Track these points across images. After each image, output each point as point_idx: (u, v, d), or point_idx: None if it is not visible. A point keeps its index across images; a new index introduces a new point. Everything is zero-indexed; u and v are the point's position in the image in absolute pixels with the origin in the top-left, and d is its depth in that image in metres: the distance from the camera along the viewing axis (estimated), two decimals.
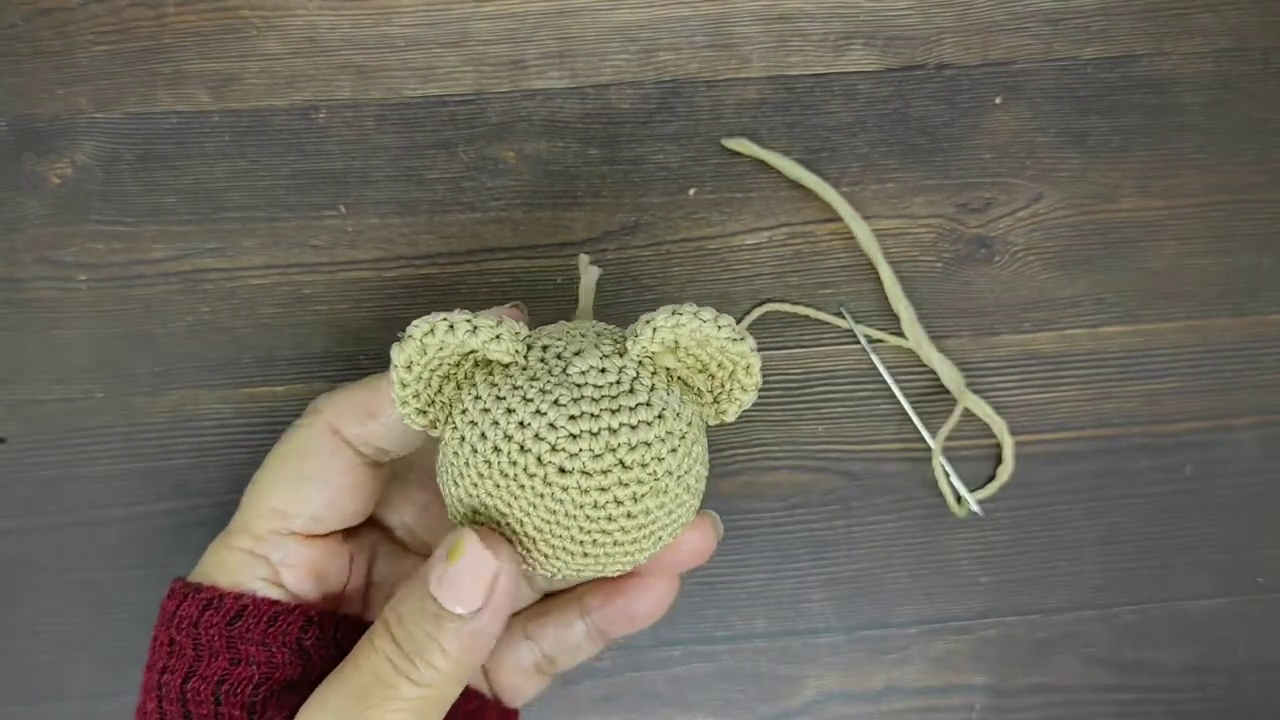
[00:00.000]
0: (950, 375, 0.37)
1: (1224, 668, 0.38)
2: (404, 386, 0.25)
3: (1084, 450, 0.38)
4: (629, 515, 0.24)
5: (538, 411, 0.23)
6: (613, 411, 0.23)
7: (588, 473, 0.23)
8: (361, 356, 0.37)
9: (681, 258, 0.38)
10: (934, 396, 0.38)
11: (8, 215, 0.37)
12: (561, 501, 0.24)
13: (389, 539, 0.32)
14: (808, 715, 0.38)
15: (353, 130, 0.38)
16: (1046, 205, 0.39)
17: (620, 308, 0.38)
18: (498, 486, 0.24)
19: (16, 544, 0.37)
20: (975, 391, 0.38)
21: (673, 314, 0.24)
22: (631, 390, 0.24)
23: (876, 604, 0.38)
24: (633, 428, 0.23)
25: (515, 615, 0.32)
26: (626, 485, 0.24)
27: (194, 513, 0.37)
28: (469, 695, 0.31)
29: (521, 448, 0.23)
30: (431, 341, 0.23)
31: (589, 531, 0.24)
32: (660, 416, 0.24)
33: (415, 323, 0.23)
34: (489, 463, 0.24)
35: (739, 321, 0.37)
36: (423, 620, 0.25)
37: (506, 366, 0.24)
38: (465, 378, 0.25)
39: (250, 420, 0.37)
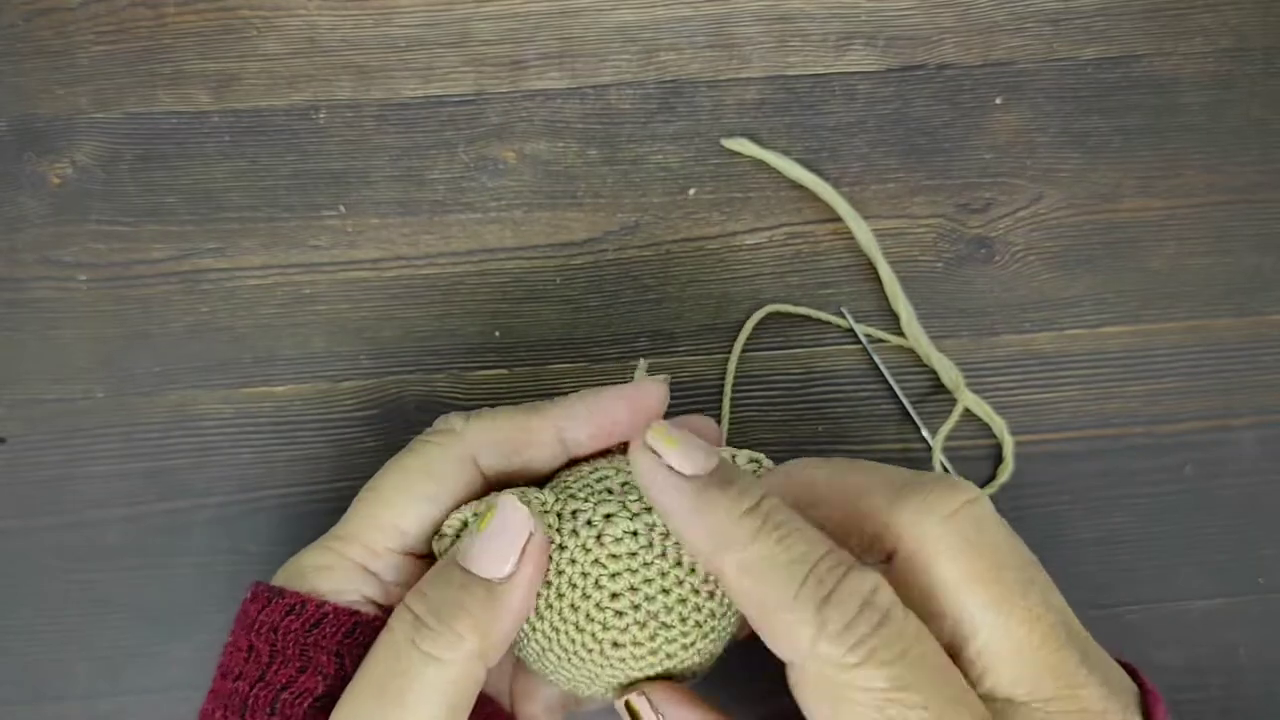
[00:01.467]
0: (950, 375, 0.37)
1: (1224, 668, 0.38)
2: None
3: (1084, 450, 0.38)
4: (679, 654, 0.26)
5: (585, 595, 0.25)
6: (648, 581, 0.25)
7: (638, 643, 0.26)
8: (362, 356, 0.37)
9: (682, 258, 0.38)
10: (934, 396, 0.38)
11: (8, 215, 0.37)
12: (619, 668, 0.26)
13: None
14: None
15: (353, 130, 0.38)
16: (1047, 205, 0.39)
17: (620, 308, 0.38)
18: (558, 658, 0.26)
19: (16, 544, 0.37)
20: (975, 391, 0.38)
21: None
22: (663, 553, 0.26)
23: None
24: (666, 591, 0.26)
25: None
26: (674, 641, 0.26)
27: (194, 513, 0.37)
28: (490, 708, 0.30)
29: (577, 627, 0.26)
30: (545, 507, 0.26)
31: (644, 671, 0.26)
32: (692, 571, 0.26)
33: (449, 521, 0.26)
34: (549, 638, 0.26)
35: (742, 324, 0.38)
36: (448, 589, 0.24)
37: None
38: None
39: (250, 420, 0.37)
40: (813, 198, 0.38)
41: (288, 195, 0.38)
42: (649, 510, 0.26)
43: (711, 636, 0.26)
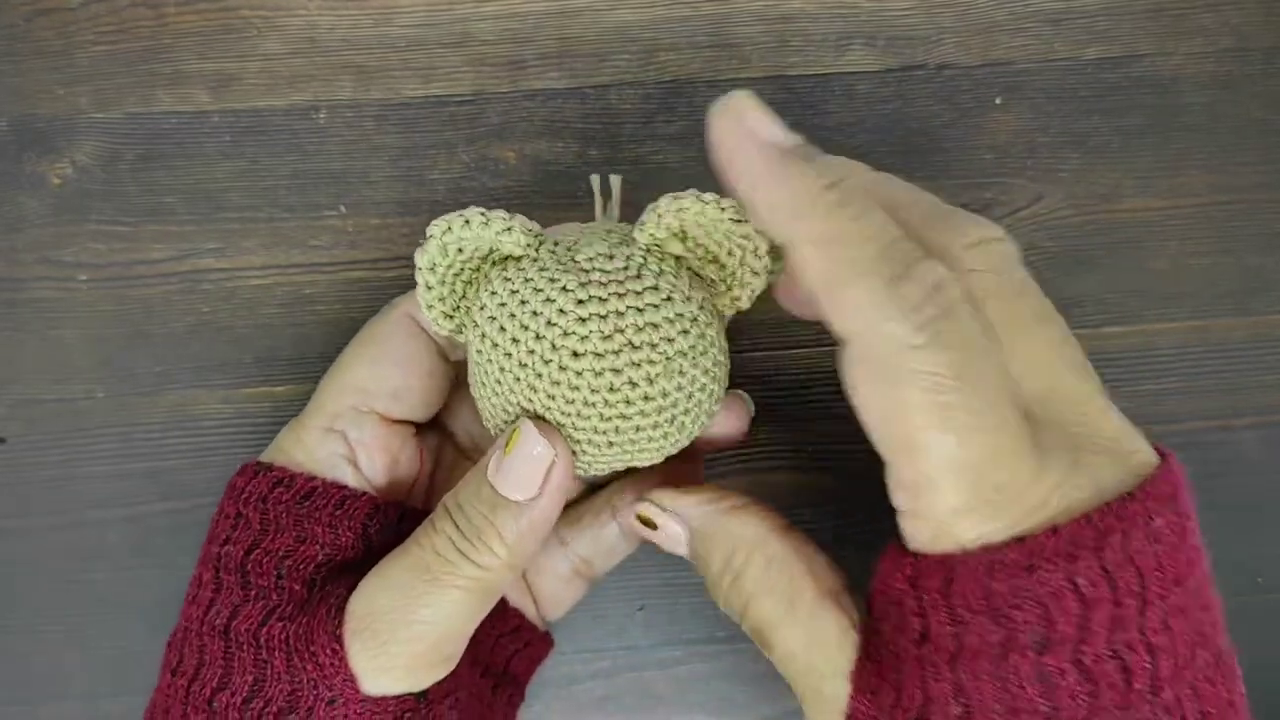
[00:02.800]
0: None
1: None
2: (429, 289, 0.26)
3: None
4: (646, 398, 0.24)
5: (547, 299, 0.24)
6: (620, 295, 0.24)
7: (599, 354, 0.24)
8: None
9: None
10: None
11: (8, 215, 0.37)
12: (578, 388, 0.24)
13: (453, 444, 0.33)
14: None
15: (353, 130, 0.38)
16: (1047, 206, 0.39)
17: None
18: (518, 379, 0.25)
19: (16, 544, 0.37)
20: None
21: (675, 199, 0.24)
22: (638, 275, 0.25)
23: None
24: (639, 310, 0.24)
25: None
26: (639, 365, 0.24)
27: (194, 513, 0.37)
28: (509, 613, 0.32)
29: (536, 335, 0.24)
30: (450, 238, 0.25)
31: (609, 419, 0.25)
32: (668, 299, 0.24)
33: (433, 223, 0.25)
34: (508, 354, 0.25)
35: (741, 324, 0.37)
36: (481, 505, 0.25)
37: (519, 260, 0.25)
38: (485, 279, 0.26)
39: (250, 420, 0.37)
40: None
41: (288, 195, 0.38)
42: (628, 244, 0.25)
43: (682, 385, 0.25)
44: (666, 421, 0.25)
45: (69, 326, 0.37)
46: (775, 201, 0.23)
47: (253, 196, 0.38)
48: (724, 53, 0.39)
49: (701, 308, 0.25)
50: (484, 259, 0.26)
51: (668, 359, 0.24)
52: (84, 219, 0.37)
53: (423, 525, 0.27)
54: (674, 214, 0.24)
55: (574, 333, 0.24)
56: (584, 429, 0.25)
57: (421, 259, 0.25)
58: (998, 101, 0.39)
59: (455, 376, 0.31)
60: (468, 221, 0.24)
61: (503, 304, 0.25)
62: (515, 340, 0.24)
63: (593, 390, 0.24)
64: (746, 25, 0.39)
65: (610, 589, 0.37)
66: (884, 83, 0.39)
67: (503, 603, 0.32)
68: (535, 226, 0.26)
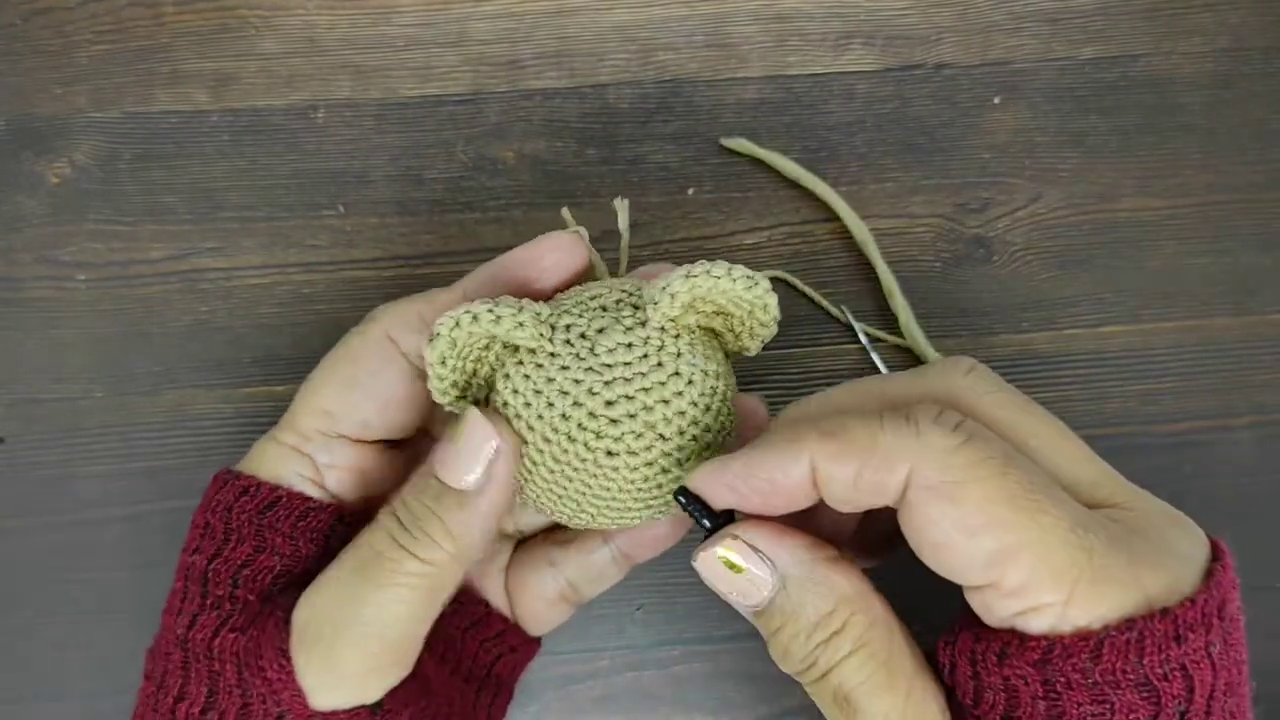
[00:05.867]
0: None
1: None
2: (441, 380, 0.25)
3: None
4: (675, 479, 0.25)
5: (576, 403, 0.25)
6: (645, 390, 0.25)
7: (633, 452, 0.25)
8: None
9: (681, 257, 0.38)
10: None
11: (6, 215, 0.37)
12: (613, 480, 0.25)
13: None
14: (806, 715, 0.38)
15: (351, 130, 0.38)
16: (1045, 205, 0.39)
17: None
18: (551, 472, 0.25)
19: (16, 544, 0.37)
20: None
21: (687, 278, 0.24)
22: (660, 364, 0.25)
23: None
24: (666, 402, 0.25)
25: (538, 540, 0.32)
26: (669, 455, 0.25)
27: (193, 512, 0.37)
28: (472, 605, 0.32)
29: (569, 437, 0.25)
30: (459, 334, 0.25)
31: (639, 497, 0.26)
32: (690, 382, 0.25)
33: (440, 320, 0.25)
34: (540, 450, 0.25)
35: None
36: (425, 497, 0.25)
37: (534, 353, 0.25)
38: (497, 360, 0.26)
39: (249, 420, 0.37)
40: (811, 197, 0.38)
41: (286, 195, 0.38)
42: (643, 325, 0.25)
43: (707, 455, 0.25)
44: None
45: (67, 326, 0.37)
46: (775, 497, 0.24)
47: (251, 196, 0.38)
48: (722, 52, 0.39)
49: (718, 375, 0.26)
50: (492, 339, 0.26)
51: (694, 439, 0.25)
52: (82, 218, 0.37)
53: (366, 527, 0.26)
54: (688, 292, 0.24)
55: (607, 435, 0.25)
56: (614, 506, 0.26)
57: (432, 354, 0.25)
58: (996, 101, 0.39)
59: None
60: (476, 318, 0.24)
61: (528, 404, 0.25)
62: (547, 440, 0.25)
63: (628, 481, 0.25)
64: (744, 25, 0.39)
65: (609, 589, 0.37)
66: (883, 82, 0.39)
67: (486, 609, 0.32)
68: (544, 310, 0.25)
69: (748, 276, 0.25)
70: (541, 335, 0.25)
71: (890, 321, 0.38)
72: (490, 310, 0.24)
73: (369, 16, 0.38)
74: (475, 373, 0.26)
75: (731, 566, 0.25)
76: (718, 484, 0.24)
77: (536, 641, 0.34)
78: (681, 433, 0.25)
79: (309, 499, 0.28)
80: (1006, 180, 0.39)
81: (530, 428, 0.25)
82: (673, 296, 0.24)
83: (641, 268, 0.29)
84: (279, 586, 0.27)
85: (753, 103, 0.38)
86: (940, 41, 0.39)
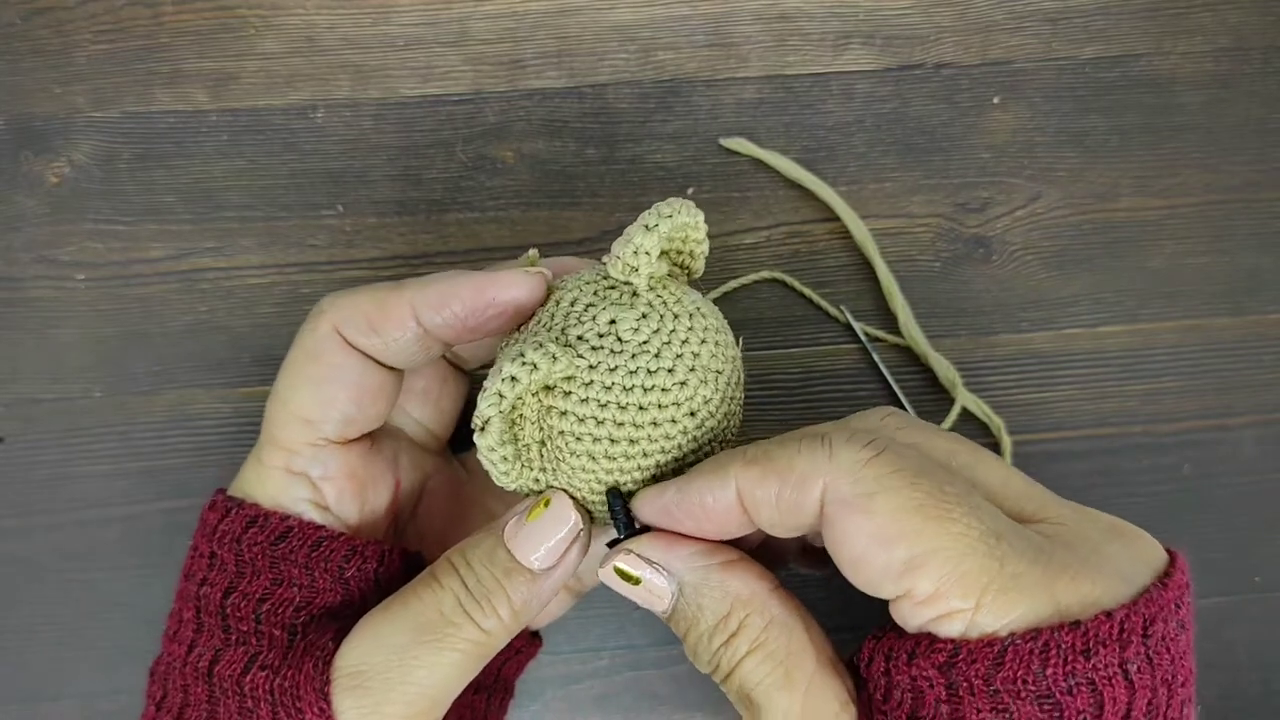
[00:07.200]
0: (947, 374, 0.37)
1: (1222, 665, 0.38)
2: (504, 461, 0.26)
3: (1082, 450, 0.38)
4: (708, 409, 0.26)
5: (644, 389, 0.25)
6: (685, 341, 0.26)
7: (697, 397, 0.26)
8: None
9: None
10: (932, 396, 0.38)
11: (5, 214, 0.37)
12: (670, 428, 0.26)
13: (407, 441, 0.32)
14: None
15: (351, 130, 0.38)
16: (1045, 205, 0.39)
17: None
18: (615, 443, 0.25)
19: (15, 544, 0.37)
20: (973, 391, 0.38)
21: (649, 230, 0.25)
22: (676, 315, 0.26)
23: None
24: (703, 341, 0.26)
25: None
26: (721, 376, 0.26)
27: (192, 512, 0.36)
28: None
29: (636, 417, 0.25)
30: (505, 405, 0.24)
31: (678, 425, 0.26)
32: (703, 314, 0.27)
33: (479, 410, 0.25)
34: (614, 440, 0.25)
35: (739, 320, 0.37)
36: (494, 569, 0.25)
37: (572, 377, 0.25)
38: (539, 409, 0.26)
39: (248, 419, 0.37)
40: (811, 197, 0.38)
41: (285, 194, 0.38)
42: (635, 295, 0.26)
43: (733, 390, 0.27)
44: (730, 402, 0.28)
45: (67, 326, 0.37)
46: (705, 514, 0.25)
47: (250, 196, 0.38)
48: (722, 52, 0.39)
49: (717, 315, 0.27)
50: (530, 393, 0.26)
51: (732, 360, 0.27)
52: (81, 218, 0.37)
53: (422, 579, 0.26)
54: (655, 245, 0.25)
55: (669, 403, 0.25)
56: (665, 448, 0.26)
57: (483, 441, 0.25)
58: (996, 101, 0.39)
59: (400, 379, 0.30)
60: (515, 379, 0.24)
61: (600, 421, 0.25)
62: (614, 440, 0.25)
63: (681, 428, 0.26)
64: (744, 24, 0.39)
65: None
66: (882, 82, 0.39)
67: None
68: (548, 336, 0.25)
69: (684, 206, 0.26)
70: (572, 358, 0.25)
71: (890, 321, 0.38)
72: (523, 363, 0.24)
73: (369, 16, 0.38)
74: (517, 438, 0.26)
75: (627, 577, 0.26)
76: (653, 507, 0.25)
77: (539, 642, 0.34)
78: (722, 360, 0.26)
79: (321, 528, 0.28)
80: (1006, 180, 0.39)
81: (596, 439, 0.25)
82: (648, 254, 0.25)
83: (546, 264, 0.29)
84: (301, 619, 0.27)
85: (752, 102, 0.38)
86: (940, 41, 0.39)
